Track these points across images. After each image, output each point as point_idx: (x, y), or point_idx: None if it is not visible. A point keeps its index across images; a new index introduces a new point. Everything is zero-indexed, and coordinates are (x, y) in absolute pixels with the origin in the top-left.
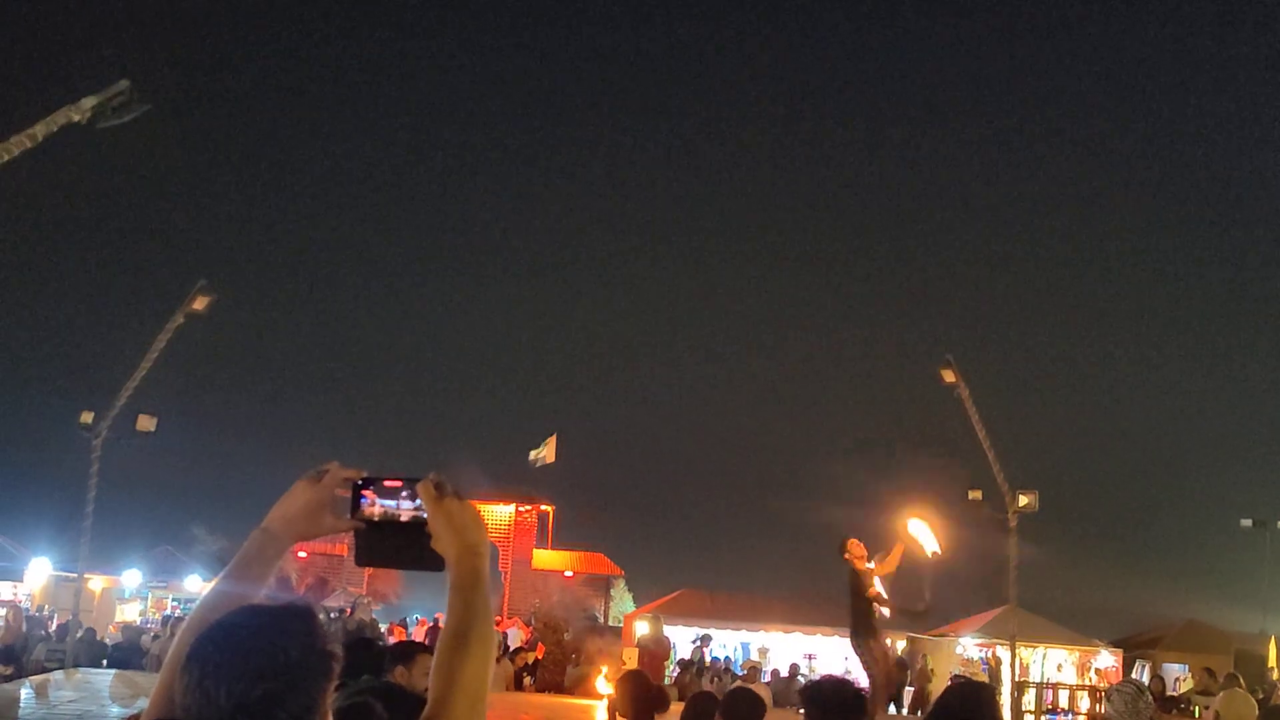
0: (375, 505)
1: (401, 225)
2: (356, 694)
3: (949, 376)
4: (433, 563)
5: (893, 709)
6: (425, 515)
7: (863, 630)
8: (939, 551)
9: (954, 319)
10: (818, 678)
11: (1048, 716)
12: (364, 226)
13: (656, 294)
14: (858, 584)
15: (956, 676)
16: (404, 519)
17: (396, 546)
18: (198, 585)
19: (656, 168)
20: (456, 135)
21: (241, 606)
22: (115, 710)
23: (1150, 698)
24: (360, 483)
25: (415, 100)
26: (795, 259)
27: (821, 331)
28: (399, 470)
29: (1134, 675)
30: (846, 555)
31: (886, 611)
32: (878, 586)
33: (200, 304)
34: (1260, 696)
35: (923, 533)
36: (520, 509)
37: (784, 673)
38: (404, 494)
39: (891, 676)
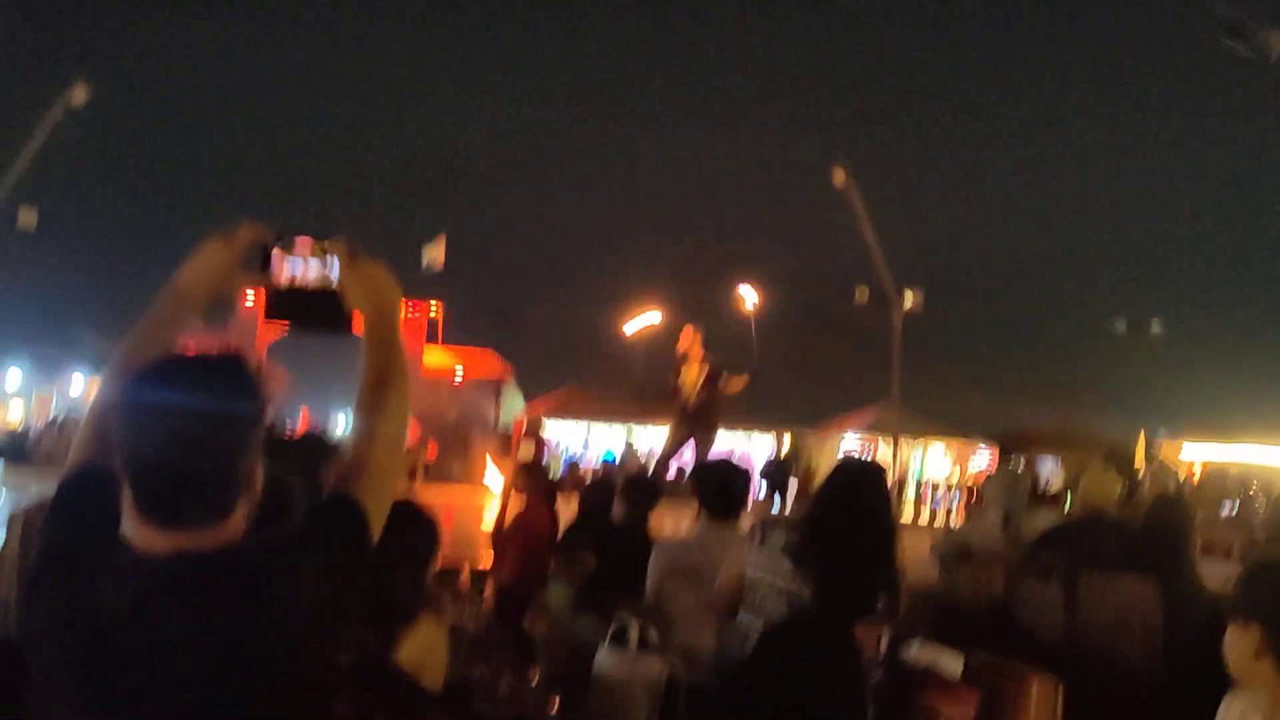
0: (284, 265)
1: (285, 15)
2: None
3: (839, 178)
4: (338, 324)
5: (778, 500)
6: (334, 278)
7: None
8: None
9: (837, 115)
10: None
11: (930, 505)
12: (248, 16)
13: (541, 89)
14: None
15: (846, 456)
16: (312, 279)
17: (305, 306)
18: (83, 385)
19: None
20: None
21: (174, 353)
22: (6, 493)
23: (1027, 482)
24: (271, 243)
25: None
26: (681, 53)
27: (703, 127)
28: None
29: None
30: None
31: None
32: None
33: (79, 98)
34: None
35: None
36: (410, 310)
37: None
38: (314, 255)
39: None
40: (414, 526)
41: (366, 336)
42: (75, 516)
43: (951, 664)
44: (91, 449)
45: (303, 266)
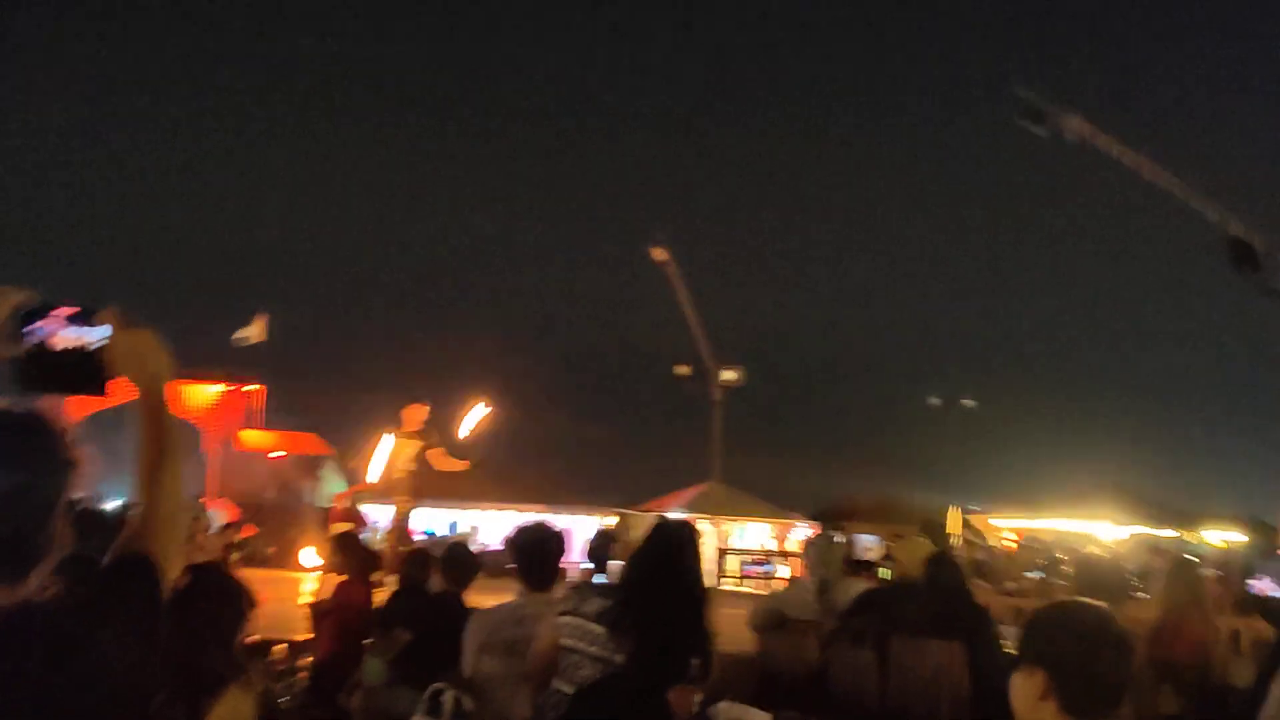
0: (45, 333)
1: (102, 90)
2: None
3: (659, 254)
4: (97, 387)
5: (602, 579)
6: (93, 343)
7: None
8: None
9: (659, 193)
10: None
11: (754, 565)
12: (58, 91)
13: (362, 170)
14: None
15: (660, 517)
16: (72, 346)
17: (63, 372)
18: None
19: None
20: None
21: None
22: None
23: (841, 548)
24: (30, 310)
25: None
26: (495, 130)
27: (525, 206)
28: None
29: None
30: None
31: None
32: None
33: None
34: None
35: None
36: (226, 388)
37: (494, 547)
38: (75, 321)
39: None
40: (221, 594)
41: (140, 403)
42: None
43: None
44: None
45: (64, 332)
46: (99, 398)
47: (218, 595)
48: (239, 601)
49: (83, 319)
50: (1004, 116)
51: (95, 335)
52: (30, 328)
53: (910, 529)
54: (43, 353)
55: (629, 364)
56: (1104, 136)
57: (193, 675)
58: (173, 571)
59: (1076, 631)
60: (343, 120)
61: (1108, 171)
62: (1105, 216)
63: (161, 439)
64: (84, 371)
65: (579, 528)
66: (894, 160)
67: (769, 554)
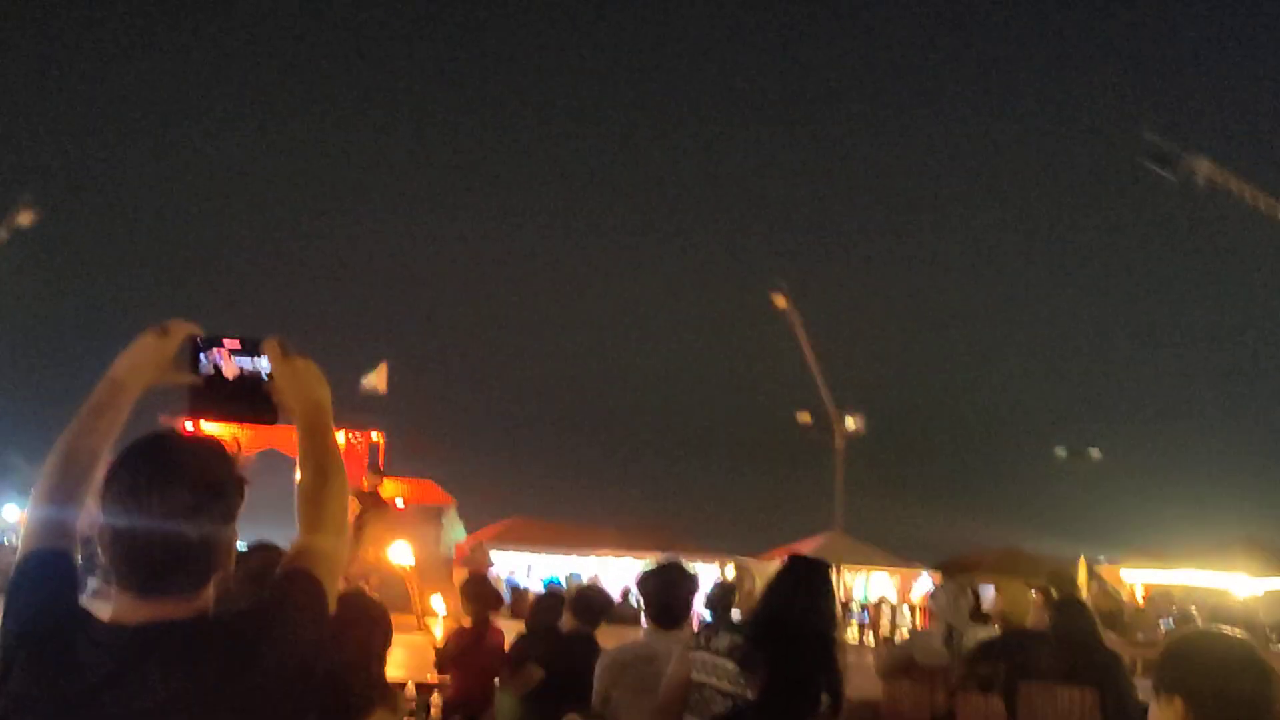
0: (212, 363)
1: (229, 142)
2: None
3: (781, 302)
4: (266, 415)
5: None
6: (261, 373)
7: None
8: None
9: (781, 240)
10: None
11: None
12: (193, 136)
13: (486, 220)
14: None
15: (793, 556)
16: (239, 375)
17: (232, 400)
18: (15, 515)
19: (473, 94)
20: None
21: (161, 431)
22: None
23: (969, 599)
24: (200, 341)
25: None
26: (620, 181)
27: (649, 255)
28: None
29: None
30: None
31: None
32: None
33: (25, 218)
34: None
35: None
36: (350, 437)
37: (615, 595)
38: (242, 353)
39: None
40: (366, 619)
41: (302, 427)
42: (39, 596)
43: None
44: (40, 536)
45: (231, 362)
46: (270, 425)
47: (366, 621)
48: (384, 625)
49: (248, 350)
50: (1130, 161)
51: (263, 365)
52: (201, 357)
53: (1036, 581)
54: (217, 380)
55: (749, 412)
56: (1235, 180)
57: (343, 696)
58: (333, 593)
59: (1214, 657)
60: (466, 176)
61: (1240, 217)
62: (1236, 263)
63: (323, 465)
64: (256, 399)
65: (700, 576)
66: (1017, 207)
67: (864, 605)
